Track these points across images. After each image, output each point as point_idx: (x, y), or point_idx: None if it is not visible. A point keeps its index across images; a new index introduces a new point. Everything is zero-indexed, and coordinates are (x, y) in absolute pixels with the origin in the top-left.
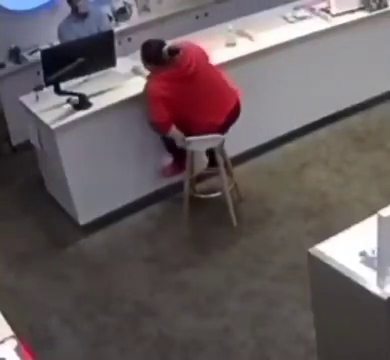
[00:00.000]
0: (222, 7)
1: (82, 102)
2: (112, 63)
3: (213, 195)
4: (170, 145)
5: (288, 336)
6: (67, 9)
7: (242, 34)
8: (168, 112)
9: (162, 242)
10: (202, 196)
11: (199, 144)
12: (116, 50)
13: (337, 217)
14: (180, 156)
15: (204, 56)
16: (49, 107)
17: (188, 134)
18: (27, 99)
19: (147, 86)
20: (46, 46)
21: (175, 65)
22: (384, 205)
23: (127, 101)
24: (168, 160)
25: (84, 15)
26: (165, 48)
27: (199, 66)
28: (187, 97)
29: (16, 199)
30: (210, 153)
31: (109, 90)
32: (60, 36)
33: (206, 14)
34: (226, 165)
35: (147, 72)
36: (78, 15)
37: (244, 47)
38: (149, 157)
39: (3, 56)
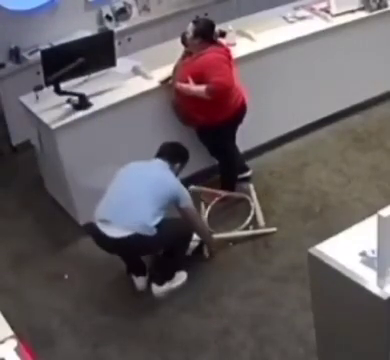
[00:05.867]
0: (222, 7)
1: (82, 102)
2: (112, 63)
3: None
4: (218, 148)
5: (288, 336)
6: (67, 10)
7: (242, 34)
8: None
9: None
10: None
11: None
12: (116, 50)
13: (337, 217)
14: (228, 159)
15: None
16: (49, 107)
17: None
18: (27, 99)
19: (206, 58)
20: (46, 46)
21: (220, 46)
22: (384, 205)
23: (127, 101)
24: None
25: None
26: (216, 28)
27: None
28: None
29: (16, 199)
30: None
31: (109, 90)
32: None
33: (206, 14)
34: None
35: (149, 74)
36: None
37: (244, 47)
38: (149, 157)
39: (3, 56)
